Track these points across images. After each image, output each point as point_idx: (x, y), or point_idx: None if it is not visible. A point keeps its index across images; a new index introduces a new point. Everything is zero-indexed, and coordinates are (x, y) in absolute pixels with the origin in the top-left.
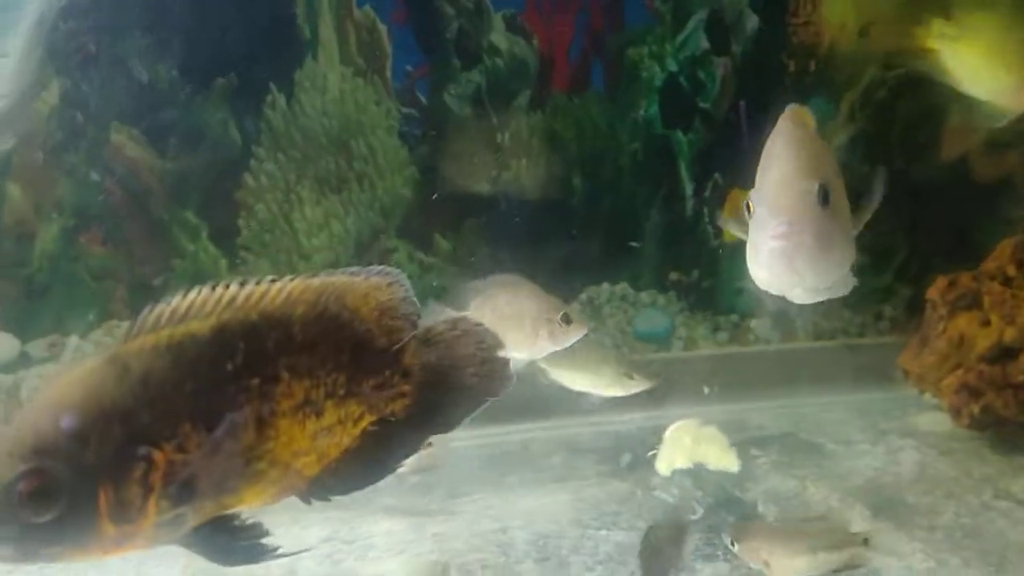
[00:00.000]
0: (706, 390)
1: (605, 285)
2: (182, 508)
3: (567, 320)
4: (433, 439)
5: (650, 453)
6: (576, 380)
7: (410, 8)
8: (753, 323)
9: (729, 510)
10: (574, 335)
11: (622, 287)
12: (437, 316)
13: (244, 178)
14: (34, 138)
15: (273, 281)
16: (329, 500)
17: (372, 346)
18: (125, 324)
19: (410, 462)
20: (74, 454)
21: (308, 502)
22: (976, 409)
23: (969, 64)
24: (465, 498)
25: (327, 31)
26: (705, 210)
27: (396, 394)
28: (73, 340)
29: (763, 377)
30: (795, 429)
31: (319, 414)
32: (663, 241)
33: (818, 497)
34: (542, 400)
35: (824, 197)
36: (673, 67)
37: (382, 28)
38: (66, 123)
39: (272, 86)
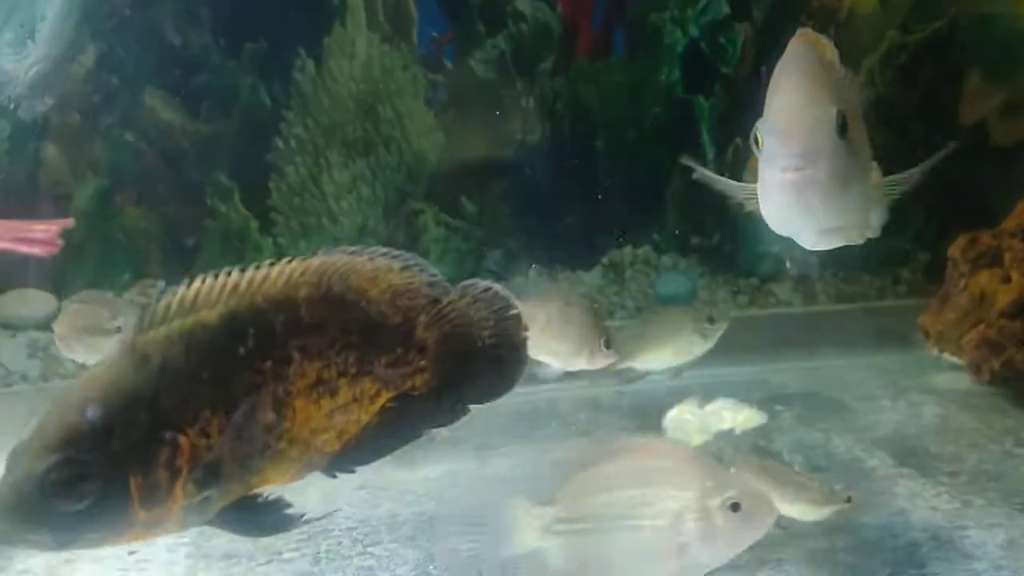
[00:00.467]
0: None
1: (628, 248)
2: (209, 491)
3: (607, 345)
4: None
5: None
6: (652, 360)
7: None
8: (773, 287)
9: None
10: (605, 361)
11: (644, 251)
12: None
13: (274, 141)
14: (71, 100)
15: (272, 264)
16: (354, 472)
17: (383, 325)
18: (159, 283)
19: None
20: (102, 442)
21: (333, 476)
22: (997, 364)
23: None
24: (493, 451)
25: None
26: (726, 174)
27: (414, 370)
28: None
29: (784, 339)
30: (817, 387)
31: (333, 393)
32: (684, 205)
33: (842, 448)
34: None
35: (842, 126)
36: (694, 32)
37: None
38: (101, 86)
39: (301, 51)
